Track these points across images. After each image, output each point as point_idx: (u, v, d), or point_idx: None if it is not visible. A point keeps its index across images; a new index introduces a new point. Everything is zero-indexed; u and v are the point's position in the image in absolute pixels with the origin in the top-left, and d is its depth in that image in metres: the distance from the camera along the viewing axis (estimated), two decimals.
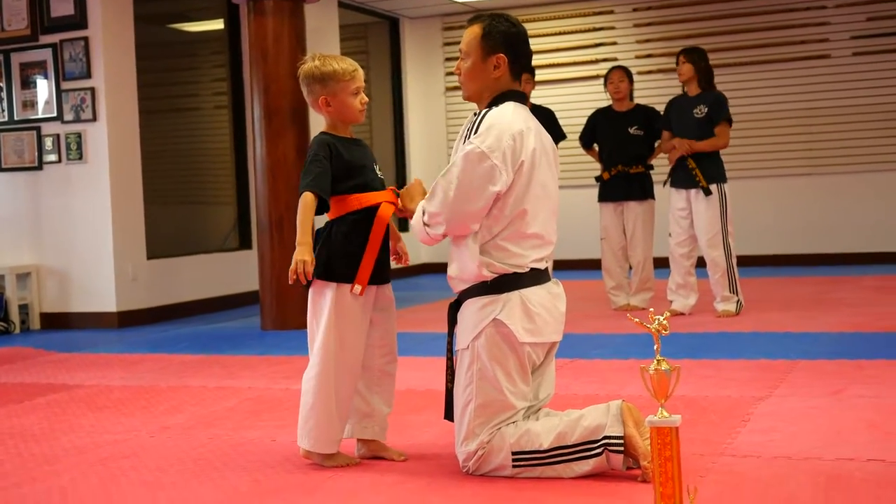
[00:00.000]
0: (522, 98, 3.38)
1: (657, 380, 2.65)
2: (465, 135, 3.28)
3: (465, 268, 3.25)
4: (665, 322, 2.71)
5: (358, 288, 3.35)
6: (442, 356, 5.62)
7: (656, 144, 7.24)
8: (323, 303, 3.38)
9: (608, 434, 3.08)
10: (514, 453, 3.15)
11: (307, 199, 3.32)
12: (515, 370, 3.20)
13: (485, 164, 3.16)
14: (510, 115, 3.24)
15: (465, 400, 3.22)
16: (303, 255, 3.29)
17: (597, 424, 3.10)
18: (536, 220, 3.25)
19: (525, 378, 3.22)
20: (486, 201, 3.19)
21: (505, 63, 3.30)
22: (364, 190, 3.41)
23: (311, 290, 3.42)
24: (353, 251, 3.37)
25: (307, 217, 3.32)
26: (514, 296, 3.20)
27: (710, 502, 2.86)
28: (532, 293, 3.23)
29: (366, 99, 3.50)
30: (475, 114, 3.31)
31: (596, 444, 3.09)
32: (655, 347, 2.69)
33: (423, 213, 3.28)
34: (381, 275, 3.45)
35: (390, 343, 3.52)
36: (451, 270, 3.32)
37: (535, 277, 3.26)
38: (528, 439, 3.14)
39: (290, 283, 3.34)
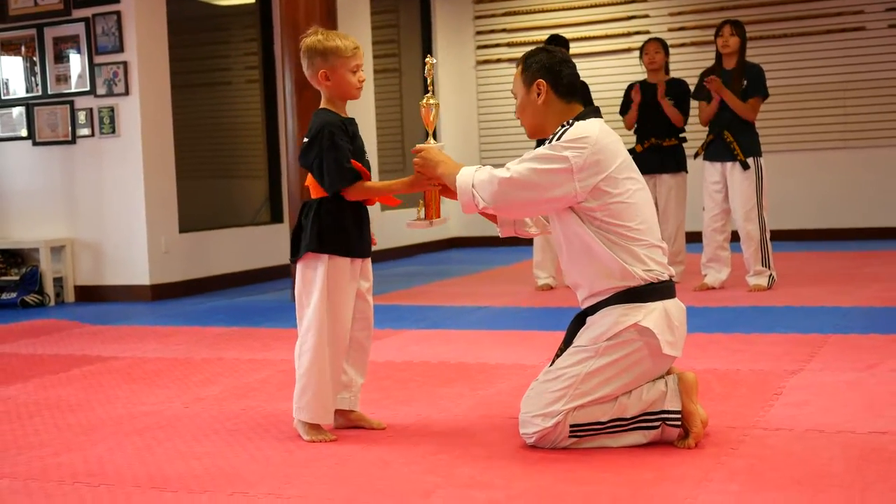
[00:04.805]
0: (600, 114, 3.35)
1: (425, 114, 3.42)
2: (548, 141, 3.24)
3: (608, 272, 3.16)
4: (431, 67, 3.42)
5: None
6: (472, 329, 5.67)
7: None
8: (314, 275, 3.43)
9: (666, 408, 3.13)
10: (572, 426, 3.14)
11: (357, 186, 3.41)
12: (640, 378, 3.15)
13: (560, 169, 3.13)
14: (598, 129, 3.21)
15: (564, 386, 3.13)
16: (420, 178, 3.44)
17: (656, 397, 3.14)
18: (648, 225, 3.22)
19: (640, 386, 3.16)
20: (547, 205, 3.19)
21: (545, 87, 3.30)
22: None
23: (300, 264, 3.48)
24: (344, 225, 3.43)
25: (373, 186, 3.45)
26: (658, 306, 3.15)
27: (742, 475, 2.86)
28: (673, 305, 3.20)
29: (363, 77, 3.54)
30: (562, 124, 3.28)
31: (654, 417, 3.14)
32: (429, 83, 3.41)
33: (475, 183, 3.22)
34: (365, 249, 3.53)
35: (370, 316, 3.59)
36: (581, 293, 3.27)
37: (671, 290, 3.22)
38: (587, 413, 3.14)
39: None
